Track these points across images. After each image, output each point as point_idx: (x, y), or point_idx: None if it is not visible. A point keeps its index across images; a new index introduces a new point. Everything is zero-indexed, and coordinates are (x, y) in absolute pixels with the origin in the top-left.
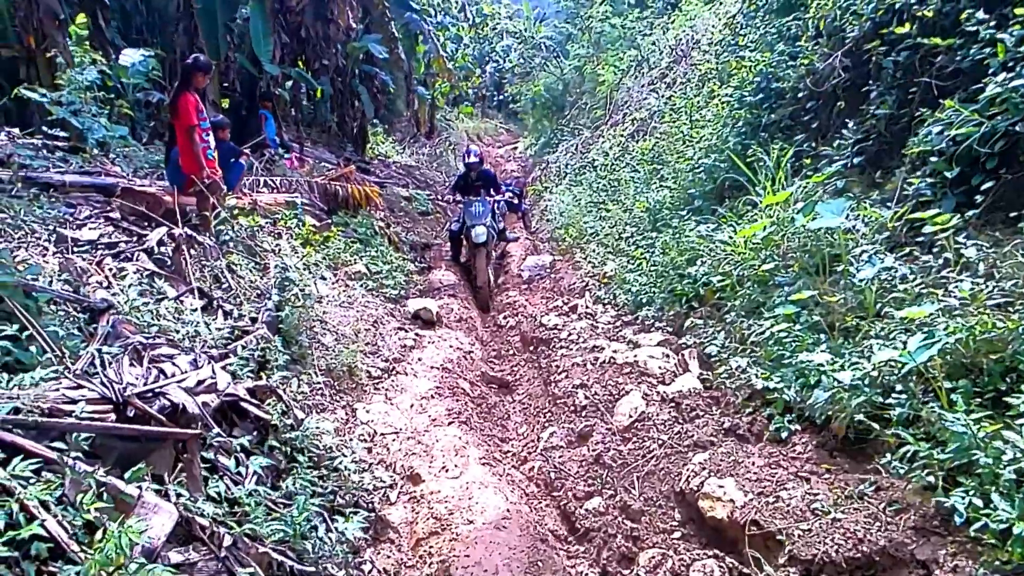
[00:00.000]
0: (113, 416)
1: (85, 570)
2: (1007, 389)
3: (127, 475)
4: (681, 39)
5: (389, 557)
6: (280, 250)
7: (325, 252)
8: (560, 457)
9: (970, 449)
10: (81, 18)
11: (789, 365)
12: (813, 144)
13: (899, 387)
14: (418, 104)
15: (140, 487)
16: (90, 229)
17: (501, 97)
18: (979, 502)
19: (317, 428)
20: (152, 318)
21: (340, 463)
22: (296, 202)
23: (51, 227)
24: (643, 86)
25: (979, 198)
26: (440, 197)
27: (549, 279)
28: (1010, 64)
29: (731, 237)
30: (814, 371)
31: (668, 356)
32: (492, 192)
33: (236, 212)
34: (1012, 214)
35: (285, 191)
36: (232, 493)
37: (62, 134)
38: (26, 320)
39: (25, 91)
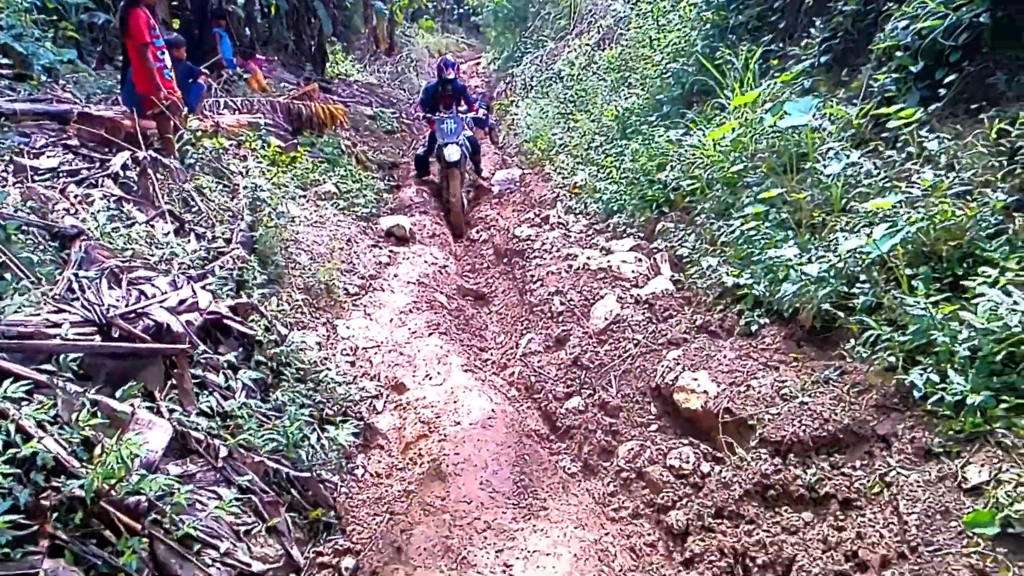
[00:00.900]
0: (98, 337)
1: (88, 483)
2: (964, 273)
3: (119, 393)
4: None
5: (380, 461)
6: (248, 171)
7: (293, 173)
8: (539, 362)
9: (928, 330)
10: None
11: (758, 262)
12: (780, 44)
13: (863, 277)
14: (376, 20)
15: (133, 405)
16: (48, 157)
17: (461, 10)
18: (936, 378)
19: (301, 343)
20: (125, 242)
21: (326, 376)
22: (260, 123)
23: (6, 157)
24: None
25: (943, 91)
26: (404, 115)
27: (519, 192)
28: None
29: (700, 141)
30: (782, 266)
31: (640, 260)
32: (463, 106)
33: (199, 134)
34: (974, 106)
35: (247, 112)
36: (224, 407)
37: (4, 61)
38: None
39: None
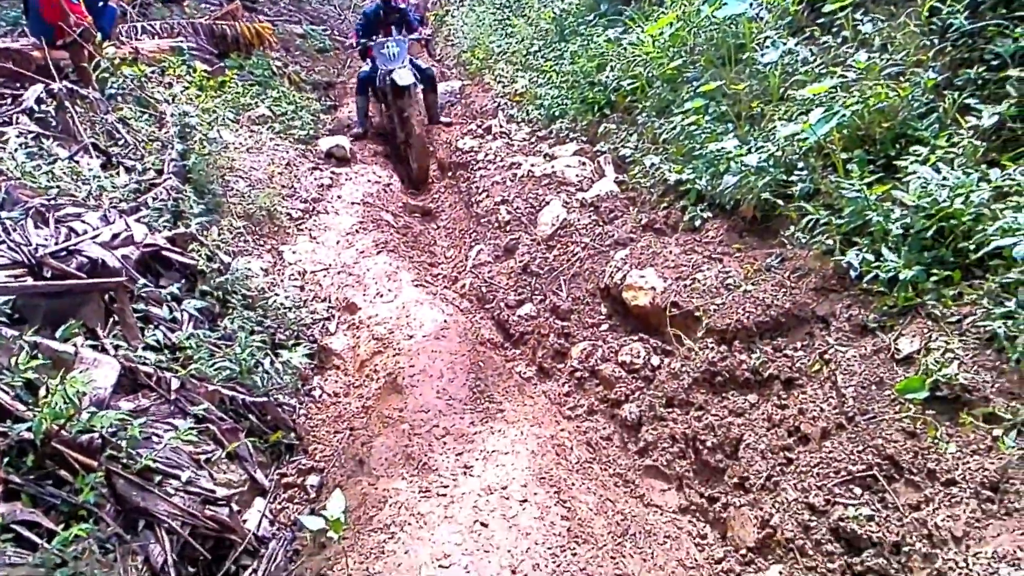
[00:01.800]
0: (30, 279)
1: (36, 424)
2: (897, 154)
3: (58, 333)
4: None
5: (337, 381)
6: (175, 99)
7: (223, 98)
8: (489, 272)
9: (863, 211)
10: None
11: (700, 156)
12: None
13: (801, 164)
14: None
15: (76, 344)
16: None
17: None
18: (871, 257)
19: (247, 270)
20: (48, 180)
21: (274, 302)
22: (182, 47)
23: None
24: None
25: None
26: (336, 31)
27: (460, 104)
28: None
29: (639, 38)
30: (723, 159)
31: (584, 164)
32: (406, 32)
33: (118, 62)
34: None
35: (168, 36)
36: (171, 339)
37: None
38: None
39: None
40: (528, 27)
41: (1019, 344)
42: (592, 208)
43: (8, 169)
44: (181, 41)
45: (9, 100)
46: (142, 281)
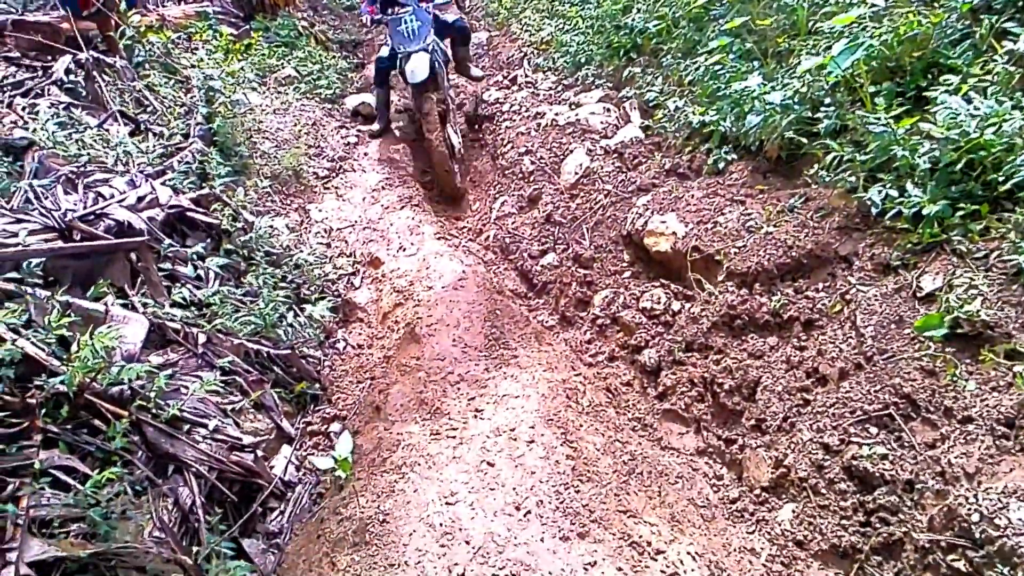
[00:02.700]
0: (60, 242)
1: (69, 377)
2: (927, 85)
3: (89, 293)
4: None
5: (360, 334)
6: (200, 63)
7: (248, 60)
8: (513, 223)
9: (889, 146)
10: None
11: (724, 97)
12: None
13: (827, 100)
14: None
15: (106, 303)
16: None
17: None
18: (895, 193)
19: (271, 229)
20: (79, 148)
21: (300, 259)
22: (208, 12)
23: None
24: None
25: None
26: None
27: (488, 56)
28: None
29: None
30: (747, 98)
31: (609, 110)
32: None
33: (144, 30)
34: None
35: (194, 1)
36: (197, 296)
37: None
38: None
39: None
40: None
41: None
42: (616, 155)
43: (41, 139)
44: (207, 5)
45: (40, 72)
46: (167, 241)
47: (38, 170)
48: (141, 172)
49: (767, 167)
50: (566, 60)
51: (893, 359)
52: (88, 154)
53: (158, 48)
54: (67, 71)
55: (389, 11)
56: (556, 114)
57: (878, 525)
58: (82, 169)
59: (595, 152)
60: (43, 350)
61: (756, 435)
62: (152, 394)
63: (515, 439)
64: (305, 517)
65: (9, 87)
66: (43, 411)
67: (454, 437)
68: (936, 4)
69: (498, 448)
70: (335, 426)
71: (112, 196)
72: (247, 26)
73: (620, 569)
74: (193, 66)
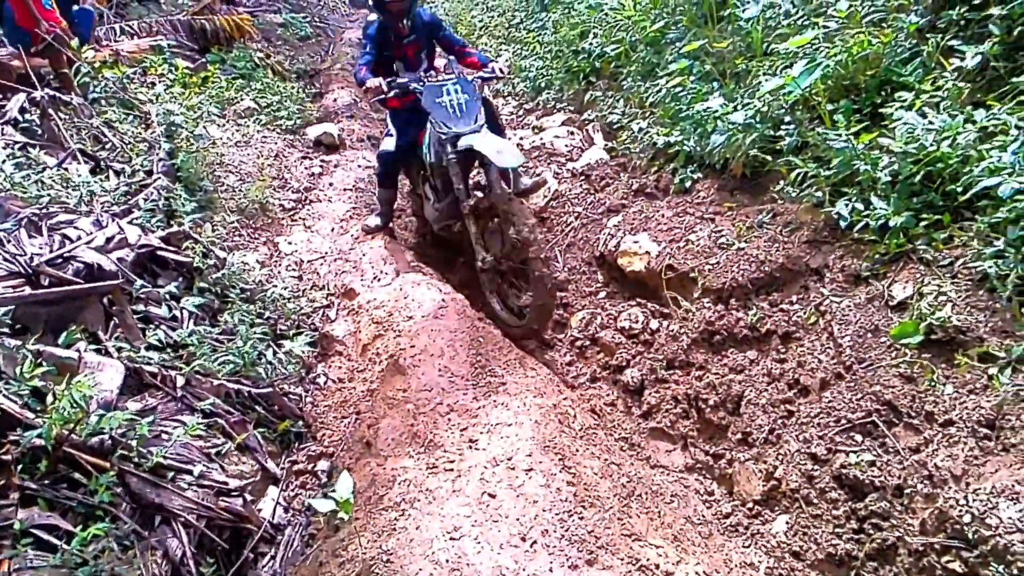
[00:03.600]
0: (27, 288)
1: (46, 430)
2: (882, 101)
3: (61, 340)
4: None
5: (340, 367)
6: (158, 98)
7: (206, 93)
8: None
9: (851, 161)
10: None
11: (687, 118)
12: None
13: (787, 118)
14: None
15: (79, 349)
16: None
17: None
18: (860, 206)
19: (243, 264)
20: (39, 189)
21: (273, 293)
22: (162, 45)
23: None
24: None
25: None
26: (316, 18)
27: None
28: None
29: (620, 3)
30: (710, 118)
31: (573, 133)
32: (454, 62)
33: (98, 65)
34: None
35: (147, 35)
36: (173, 338)
37: None
38: None
39: None
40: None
41: (1010, 282)
42: (583, 177)
43: None
44: (161, 39)
45: None
46: (140, 282)
47: None
48: (106, 212)
49: (733, 184)
50: (526, 85)
51: (872, 367)
52: (49, 195)
53: (114, 83)
54: (21, 110)
55: (399, 74)
56: (520, 139)
57: (871, 531)
58: (44, 211)
59: (562, 175)
60: (16, 403)
61: (744, 449)
62: (134, 442)
63: (513, 468)
64: (299, 560)
65: None
66: (20, 467)
67: (451, 470)
68: (885, 25)
69: (497, 479)
70: (322, 464)
71: (79, 238)
72: (203, 59)
73: None
74: (151, 101)
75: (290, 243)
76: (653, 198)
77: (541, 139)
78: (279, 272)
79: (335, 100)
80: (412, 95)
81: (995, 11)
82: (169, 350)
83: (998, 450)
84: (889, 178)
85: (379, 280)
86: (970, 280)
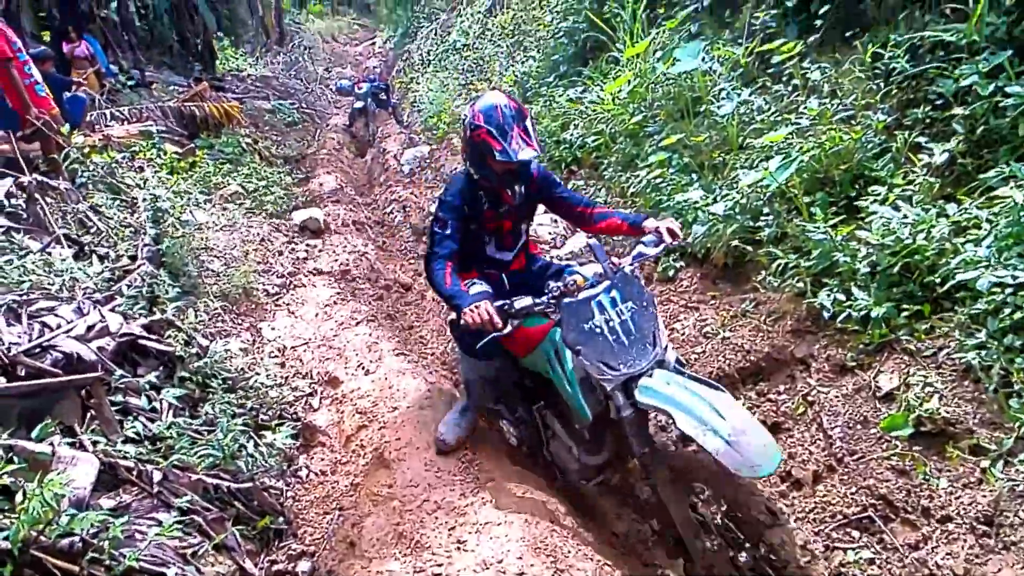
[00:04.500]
0: (3, 379)
1: (13, 533)
2: (856, 194)
3: (34, 434)
4: None
5: (323, 459)
6: (146, 182)
7: (194, 178)
8: None
9: (831, 252)
10: None
11: (668, 208)
12: None
13: (766, 210)
14: (262, 10)
15: (52, 443)
16: None
17: None
18: (842, 296)
19: (225, 352)
20: (20, 275)
21: (255, 382)
22: (152, 131)
23: None
24: None
25: (818, 23)
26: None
27: (429, 169)
28: None
29: (599, 96)
30: (690, 209)
31: (556, 221)
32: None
33: (87, 150)
34: (848, 33)
35: (138, 121)
36: (151, 430)
37: None
38: None
39: None
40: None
41: (994, 374)
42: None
43: None
44: (150, 125)
45: None
46: (119, 372)
47: None
48: (88, 298)
49: (716, 273)
50: None
51: (864, 459)
52: (31, 280)
53: (102, 168)
54: (8, 194)
55: (530, 303)
56: None
57: None
58: (25, 297)
59: None
60: None
61: None
62: (106, 544)
63: (503, 572)
64: None
65: None
66: None
67: (440, 574)
68: (854, 122)
69: None
70: (303, 564)
71: (59, 326)
72: (191, 144)
73: None
74: (138, 185)
75: (273, 328)
76: None
77: None
78: (262, 359)
79: (320, 185)
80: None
81: (958, 111)
82: (147, 443)
83: (999, 548)
84: (868, 269)
85: (364, 368)
86: (955, 371)
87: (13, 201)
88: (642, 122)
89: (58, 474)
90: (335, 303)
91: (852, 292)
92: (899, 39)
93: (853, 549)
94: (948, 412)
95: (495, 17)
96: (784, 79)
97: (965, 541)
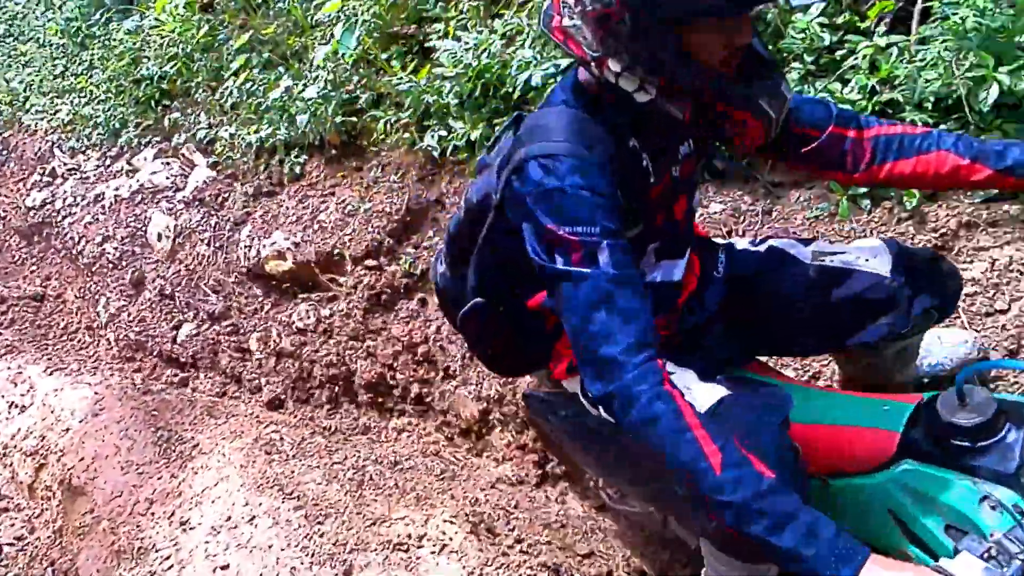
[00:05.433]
0: None
1: None
2: (424, 38)
3: None
4: None
5: (13, 524)
6: None
7: None
8: (129, 317)
9: (420, 97)
10: None
11: (268, 108)
12: None
13: (355, 78)
14: None
15: None
16: None
17: None
18: (444, 133)
19: None
20: None
21: None
22: None
23: None
24: None
25: None
26: None
27: (12, 160)
28: None
29: (156, 19)
30: (290, 101)
31: (169, 164)
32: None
33: None
34: None
35: None
36: None
37: None
38: None
39: None
40: (41, 48)
41: None
42: (198, 203)
43: None
44: None
45: None
46: None
47: None
48: None
49: (340, 153)
50: (100, 132)
51: None
52: None
53: None
54: None
55: None
56: (116, 188)
57: None
58: None
59: (176, 208)
60: None
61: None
62: None
63: (236, 526)
64: None
65: None
66: None
67: (172, 566)
68: None
69: (223, 546)
70: None
71: None
72: None
73: None
74: None
75: None
76: (273, 195)
77: (139, 181)
78: None
79: None
80: None
81: None
82: None
83: None
84: (456, 101)
85: (16, 406)
86: None
87: None
88: (211, 31)
89: None
90: None
91: (451, 126)
92: None
93: None
94: None
95: None
96: None
97: None
